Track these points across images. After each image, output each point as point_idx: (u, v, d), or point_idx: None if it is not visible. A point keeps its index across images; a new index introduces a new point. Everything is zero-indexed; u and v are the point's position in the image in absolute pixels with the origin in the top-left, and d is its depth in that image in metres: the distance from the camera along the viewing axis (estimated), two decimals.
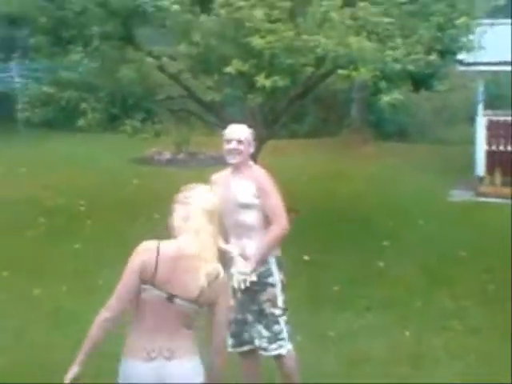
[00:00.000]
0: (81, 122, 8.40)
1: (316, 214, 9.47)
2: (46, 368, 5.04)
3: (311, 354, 5.12)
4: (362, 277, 7.22)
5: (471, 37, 8.01)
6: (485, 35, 8.12)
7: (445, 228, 9.09)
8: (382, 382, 4.93)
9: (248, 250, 4.23)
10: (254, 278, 4.18)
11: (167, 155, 14.06)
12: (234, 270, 4.19)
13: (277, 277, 4.27)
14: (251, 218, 4.25)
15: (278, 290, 4.27)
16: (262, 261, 4.23)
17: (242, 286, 4.14)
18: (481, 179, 11.79)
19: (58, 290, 6.71)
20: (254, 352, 4.44)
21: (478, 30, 8.11)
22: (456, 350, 5.54)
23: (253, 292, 4.23)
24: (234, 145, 4.26)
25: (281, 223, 4.25)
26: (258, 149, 9.37)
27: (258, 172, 4.34)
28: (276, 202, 4.27)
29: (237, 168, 4.30)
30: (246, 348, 4.41)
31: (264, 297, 4.25)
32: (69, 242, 8.22)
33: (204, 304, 3.00)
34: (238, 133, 4.29)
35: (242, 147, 4.26)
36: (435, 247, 8.25)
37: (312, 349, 5.24)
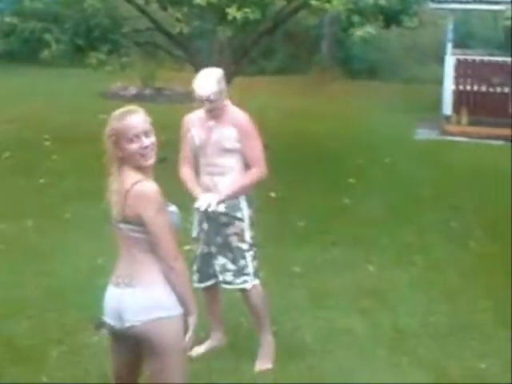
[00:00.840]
0: (44, 54, 8.19)
1: (283, 151, 9.45)
2: (12, 304, 5.04)
3: (276, 289, 5.18)
4: (328, 213, 7.28)
5: None
6: None
7: (411, 166, 9.17)
8: (345, 316, 5.03)
9: (220, 186, 4.23)
10: (221, 208, 4.18)
11: (133, 90, 13.85)
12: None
13: (245, 212, 4.28)
14: (232, 161, 4.24)
15: (245, 224, 4.28)
16: (231, 197, 4.23)
17: (205, 208, 4.13)
18: (447, 118, 11.86)
19: (24, 225, 6.66)
20: (216, 286, 4.46)
21: None
22: (419, 284, 5.64)
23: (219, 224, 4.24)
24: (207, 106, 4.20)
25: (260, 167, 4.26)
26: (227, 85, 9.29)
27: (239, 116, 4.27)
28: (257, 147, 4.27)
29: (217, 113, 4.23)
30: (210, 282, 4.42)
31: (230, 230, 4.25)
32: (34, 176, 8.12)
33: (138, 223, 2.93)
34: (208, 91, 4.15)
35: (214, 104, 4.18)
36: (401, 185, 8.33)
37: (277, 283, 5.30)
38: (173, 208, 3.10)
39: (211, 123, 4.28)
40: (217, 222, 4.24)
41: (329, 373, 4.29)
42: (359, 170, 8.91)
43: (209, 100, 4.18)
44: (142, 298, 2.94)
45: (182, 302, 2.98)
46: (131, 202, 2.91)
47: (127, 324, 2.94)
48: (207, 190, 4.27)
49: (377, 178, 8.58)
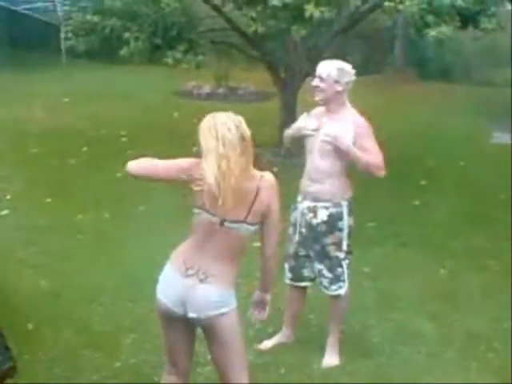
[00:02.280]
0: (123, 51, 8.40)
1: None
2: (89, 292, 5.22)
3: None
4: (399, 215, 7.23)
5: None
6: None
7: (485, 170, 8.99)
8: (415, 318, 4.99)
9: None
10: (323, 216, 4.19)
11: (207, 89, 14.01)
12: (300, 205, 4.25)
13: (346, 221, 4.25)
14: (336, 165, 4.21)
15: (344, 234, 4.26)
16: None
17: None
18: None
19: (101, 217, 6.87)
20: (305, 289, 4.51)
21: None
22: (491, 289, 5.56)
23: (318, 232, 4.24)
24: (316, 81, 4.20)
25: (378, 159, 4.22)
26: (299, 85, 9.34)
27: (356, 117, 4.26)
28: (374, 145, 4.24)
29: (331, 108, 4.22)
30: (303, 284, 4.46)
31: (329, 240, 4.25)
32: (110, 170, 8.33)
33: (256, 220, 3.04)
34: (322, 69, 4.17)
35: (323, 85, 4.16)
36: (475, 188, 8.19)
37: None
38: None
39: (326, 117, 4.23)
40: (316, 230, 4.25)
41: (396, 373, 4.28)
42: (432, 172, 8.80)
43: (320, 77, 4.13)
44: (213, 295, 3.04)
45: (266, 283, 3.27)
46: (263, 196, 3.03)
47: (191, 315, 3.05)
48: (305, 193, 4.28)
49: (449, 181, 8.45)
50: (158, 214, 6.64)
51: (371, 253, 6.16)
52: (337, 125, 4.17)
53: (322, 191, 4.19)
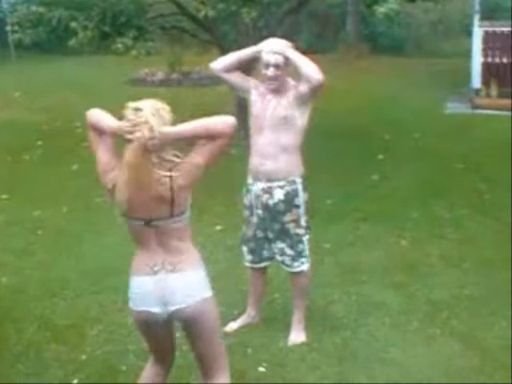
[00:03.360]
0: (72, 42, 8.26)
1: (311, 129, 9.44)
2: (50, 286, 5.17)
3: None
4: (358, 190, 7.28)
5: None
6: None
7: (441, 141, 9.11)
8: (378, 290, 5.05)
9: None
10: (279, 195, 4.19)
11: (160, 75, 13.91)
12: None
13: (301, 198, 4.26)
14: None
15: (301, 210, 4.27)
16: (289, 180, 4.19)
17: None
18: (477, 91, 11.72)
19: (59, 211, 6.79)
20: (266, 268, 4.53)
21: None
22: (452, 258, 5.64)
23: (276, 212, 4.24)
24: (272, 71, 4.10)
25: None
26: (253, 65, 9.30)
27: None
28: None
29: (276, 90, 4.18)
30: (263, 264, 4.47)
31: (288, 217, 4.24)
32: (66, 163, 8.25)
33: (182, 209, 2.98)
34: (275, 56, 4.09)
35: (279, 72, 4.11)
36: (431, 160, 8.29)
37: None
38: None
39: (269, 96, 4.19)
40: (274, 209, 4.24)
41: (362, 346, 4.32)
42: (388, 145, 8.87)
43: (276, 66, 4.08)
44: (188, 281, 3.00)
45: None
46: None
47: (172, 308, 2.99)
48: (256, 174, 4.26)
49: (406, 154, 8.54)
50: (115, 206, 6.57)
51: (332, 229, 6.20)
52: (282, 106, 4.15)
53: (276, 170, 4.17)
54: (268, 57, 4.10)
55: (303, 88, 4.11)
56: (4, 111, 10.99)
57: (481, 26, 12.02)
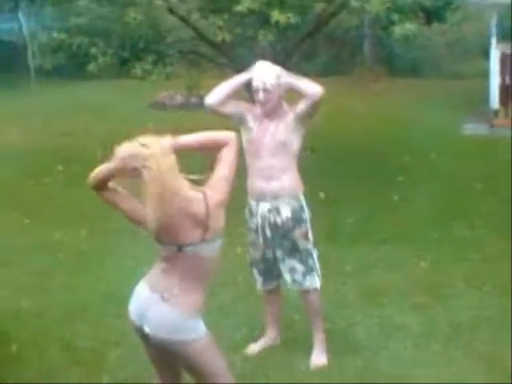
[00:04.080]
0: (91, 67, 8.37)
1: (330, 151, 9.48)
2: (71, 309, 5.19)
3: (329, 288, 5.19)
4: (378, 211, 7.27)
5: None
6: None
7: (459, 161, 9.08)
8: (399, 312, 5.02)
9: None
10: (287, 212, 4.21)
11: (179, 99, 14.01)
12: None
13: (307, 213, 4.30)
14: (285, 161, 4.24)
15: (309, 225, 4.30)
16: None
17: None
18: (495, 112, 11.69)
19: (78, 234, 6.83)
20: (278, 288, 4.53)
21: None
22: (473, 279, 5.60)
23: (285, 229, 4.25)
24: (261, 96, 4.14)
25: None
26: None
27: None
28: None
29: (270, 113, 4.21)
30: (274, 284, 4.48)
31: (298, 233, 4.26)
32: (86, 188, 8.28)
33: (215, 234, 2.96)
34: (263, 80, 4.12)
35: (270, 95, 4.13)
36: (450, 180, 8.26)
37: (329, 283, 5.29)
38: None
39: (266, 121, 4.23)
40: (283, 227, 4.25)
41: (384, 368, 4.30)
42: (407, 167, 8.86)
43: (264, 89, 4.11)
44: (171, 318, 2.94)
45: None
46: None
47: (146, 330, 2.97)
48: (260, 195, 4.27)
49: (426, 175, 8.52)
50: (135, 230, 6.61)
51: (352, 250, 6.19)
52: (280, 130, 4.19)
53: (282, 189, 4.21)
54: (257, 82, 4.14)
55: (303, 106, 4.16)
56: (25, 136, 11.11)
57: (498, 48, 12.02)
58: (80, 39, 8.56)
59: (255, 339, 4.58)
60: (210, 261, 2.99)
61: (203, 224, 2.90)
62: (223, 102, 4.23)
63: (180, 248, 2.94)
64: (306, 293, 4.39)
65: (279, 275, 4.42)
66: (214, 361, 3.02)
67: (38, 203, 7.92)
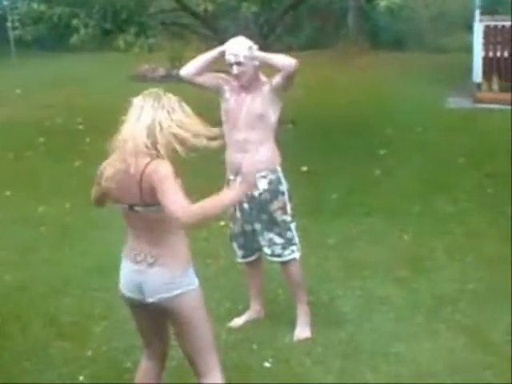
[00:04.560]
0: (73, 39, 8.27)
1: (313, 124, 9.47)
2: (56, 284, 5.18)
3: (312, 261, 5.24)
4: (360, 185, 7.28)
5: None
6: None
7: (443, 135, 9.11)
8: (382, 285, 5.05)
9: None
10: (264, 184, 4.20)
11: (161, 71, 13.90)
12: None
13: (284, 185, 4.30)
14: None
15: (286, 197, 4.30)
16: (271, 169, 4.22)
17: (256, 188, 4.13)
18: (478, 85, 11.72)
19: (62, 207, 6.79)
20: (259, 260, 4.53)
21: None
22: (455, 252, 5.63)
23: (263, 201, 4.25)
24: (235, 69, 4.15)
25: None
26: None
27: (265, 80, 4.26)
28: None
29: (247, 86, 4.21)
30: (254, 257, 4.49)
31: (275, 205, 4.26)
32: (68, 160, 8.25)
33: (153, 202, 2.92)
34: (236, 54, 4.13)
35: (244, 68, 4.14)
36: (433, 154, 8.29)
37: (312, 256, 5.33)
38: None
39: (244, 93, 4.23)
40: (260, 200, 4.25)
41: (367, 341, 4.33)
42: (390, 140, 8.87)
43: (237, 63, 4.12)
44: (164, 278, 2.98)
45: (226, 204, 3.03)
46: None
47: (149, 300, 3.01)
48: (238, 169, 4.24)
49: (408, 148, 8.54)
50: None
51: (335, 224, 6.21)
52: (256, 103, 4.18)
53: (257, 162, 4.17)
54: (229, 56, 4.16)
55: (278, 78, 4.16)
56: (5, 108, 10.99)
57: (482, 21, 12.01)
58: (61, 10, 8.44)
59: (239, 313, 4.60)
60: (167, 221, 2.93)
61: (139, 187, 2.92)
62: (199, 74, 4.26)
63: (131, 207, 2.98)
64: (285, 264, 4.40)
65: (259, 248, 4.43)
66: (202, 313, 3.07)
67: (19, 176, 7.85)
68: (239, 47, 4.16)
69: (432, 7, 17.07)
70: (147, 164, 2.91)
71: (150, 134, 2.91)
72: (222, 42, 9.35)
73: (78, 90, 11.99)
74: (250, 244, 4.43)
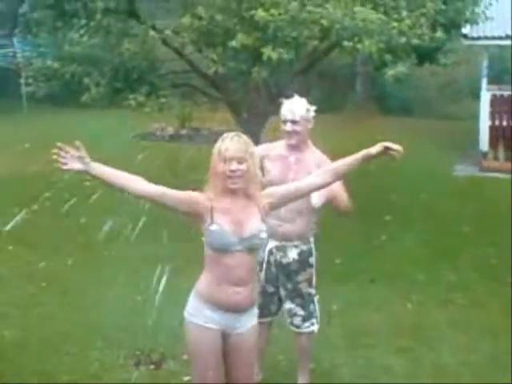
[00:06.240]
0: (85, 97, 8.37)
1: None
2: (55, 341, 5.12)
3: None
4: (365, 251, 7.25)
5: (477, 9, 7.99)
6: (490, 8, 8.11)
7: (448, 202, 9.11)
8: (384, 354, 4.97)
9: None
10: (294, 254, 4.18)
11: (170, 131, 14.04)
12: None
13: (314, 257, 4.27)
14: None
15: (314, 270, 4.28)
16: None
17: None
18: (484, 154, 11.79)
19: (64, 263, 6.77)
20: (270, 324, 4.47)
21: (484, 1, 8.11)
22: (459, 323, 5.57)
23: (290, 270, 4.22)
24: (289, 126, 4.16)
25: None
26: (262, 124, 9.38)
27: (318, 154, 4.24)
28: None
29: (295, 147, 4.21)
30: (267, 319, 4.40)
31: (302, 277, 4.23)
32: (74, 216, 8.25)
33: None
34: (293, 112, 4.16)
35: (298, 128, 4.16)
36: (439, 221, 8.28)
37: None
38: (215, 227, 3.19)
39: (289, 155, 4.22)
40: (288, 269, 4.22)
41: None
42: (395, 206, 8.87)
43: (293, 121, 4.12)
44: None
45: None
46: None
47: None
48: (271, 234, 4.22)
49: (413, 215, 8.53)
50: (122, 261, 6.57)
51: (339, 290, 6.15)
52: (303, 166, 4.14)
53: (293, 231, 4.16)
54: (285, 112, 4.19)
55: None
56: (13, 162, 11.07)
57: (488, 90, 12.16)
58: (73, 68, 8.57)
59: None
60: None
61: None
62: None
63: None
64: (301, 335, 4.34)
65: (275, 313, 4.38)
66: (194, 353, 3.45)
67: (24, 230, 7.83)
68: (297, 105, 4.19)
69: (439, 75, 17.27)
70: None
71: None
72: (230, 104, 9.50)
73: (86, 146, 12.05)
74: (268, 305, 4.35)
